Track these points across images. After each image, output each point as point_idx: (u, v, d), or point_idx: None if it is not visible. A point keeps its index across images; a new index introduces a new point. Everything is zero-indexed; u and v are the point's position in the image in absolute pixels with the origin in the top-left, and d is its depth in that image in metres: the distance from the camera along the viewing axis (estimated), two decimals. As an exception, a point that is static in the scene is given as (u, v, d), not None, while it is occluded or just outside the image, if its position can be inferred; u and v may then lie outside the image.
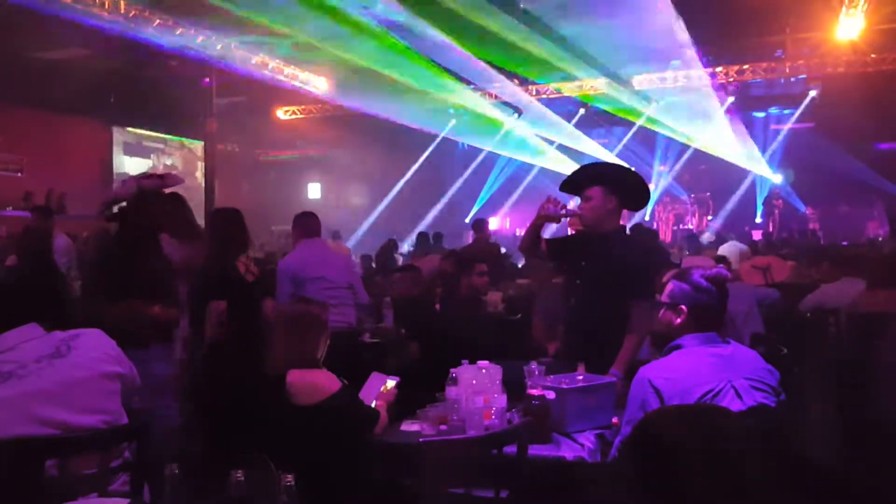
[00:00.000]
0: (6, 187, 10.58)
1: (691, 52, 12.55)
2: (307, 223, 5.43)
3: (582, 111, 16.15)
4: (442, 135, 17.40)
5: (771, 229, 16.42)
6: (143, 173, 3.93)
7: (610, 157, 16.02)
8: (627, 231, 4.24)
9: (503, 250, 10.15)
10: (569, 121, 16.27)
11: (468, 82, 14.61)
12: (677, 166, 17.60)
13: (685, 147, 16.80)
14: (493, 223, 16.61)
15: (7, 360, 2.24)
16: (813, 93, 14.26)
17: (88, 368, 2.32)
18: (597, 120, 16.81)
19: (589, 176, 3.68)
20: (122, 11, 9.82)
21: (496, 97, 15.36)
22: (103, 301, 3.46)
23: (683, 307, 2.50)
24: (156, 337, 3.53)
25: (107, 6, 9.58)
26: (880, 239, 14.68)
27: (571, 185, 3.72)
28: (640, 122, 16.03)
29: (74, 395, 2.27)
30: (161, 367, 3.53)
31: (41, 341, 2.32)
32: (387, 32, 11.03)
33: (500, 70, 13.85)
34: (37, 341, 2.32)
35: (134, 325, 3.35)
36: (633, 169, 4.04)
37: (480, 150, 18.07)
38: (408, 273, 5.97)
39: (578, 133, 16.56)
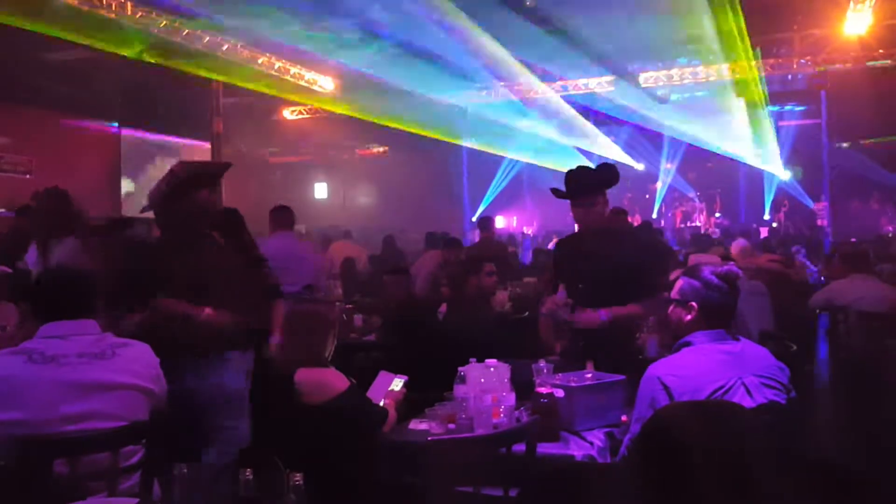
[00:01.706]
0: (15, 189, 10.60)
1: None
2: (279, 216, 5.94)
3: None
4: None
5: (777, 226, 16.34)
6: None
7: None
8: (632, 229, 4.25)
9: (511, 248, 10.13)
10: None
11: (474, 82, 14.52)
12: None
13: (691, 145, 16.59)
14: (500, 222, 16.56)
15: (54, 345, 2.33)
16: (822, 88, 14.13)
17: (122, 377, 2.38)
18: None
19: (586, 183, 3.66)
20: (129, 12, 9.84)
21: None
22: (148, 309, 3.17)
23: (694, 304, 2.49)
24: (221, 344, 3.15)
25: (114, 7, 9.60)
26: (890, 235, 14.60)
27: (566, 192, 3.70)
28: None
29: (98, 397, 2.32)
30: (231, 378, 3.18)
31: (92, 339, 2.40)
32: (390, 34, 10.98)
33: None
34: (88, 338, 2.39)
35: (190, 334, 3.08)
36: (607, 162, 4.08)
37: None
38: (399, 276, 5.93)
39: (596, 132, 16.26)
